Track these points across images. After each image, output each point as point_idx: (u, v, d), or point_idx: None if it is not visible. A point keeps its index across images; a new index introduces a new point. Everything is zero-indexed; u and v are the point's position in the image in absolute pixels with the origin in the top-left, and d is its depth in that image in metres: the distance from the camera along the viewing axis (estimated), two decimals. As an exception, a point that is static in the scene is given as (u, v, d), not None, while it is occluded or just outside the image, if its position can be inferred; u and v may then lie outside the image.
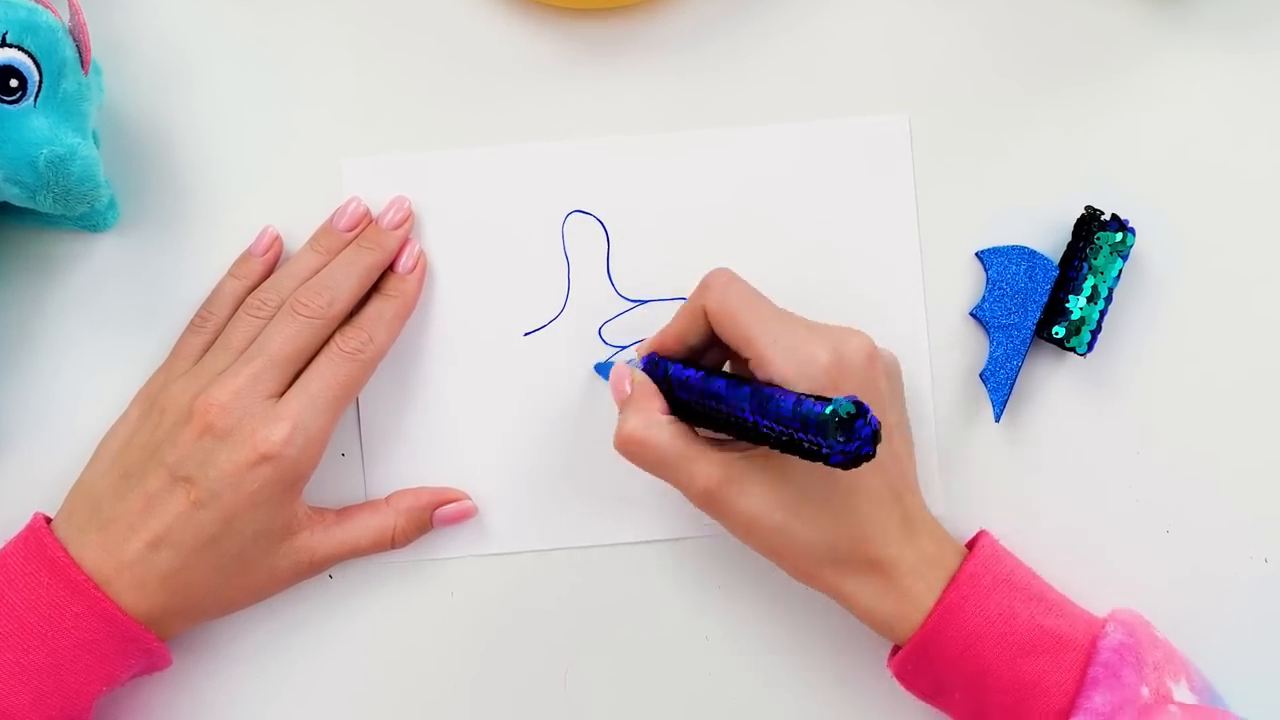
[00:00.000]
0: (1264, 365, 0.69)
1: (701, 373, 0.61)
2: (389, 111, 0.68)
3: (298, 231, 0.68)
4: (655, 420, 0.61)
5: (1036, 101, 0.69)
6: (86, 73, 0.63)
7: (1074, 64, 0.69)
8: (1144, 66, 0.69)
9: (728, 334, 0.61)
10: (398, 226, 0.67)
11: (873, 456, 0.52)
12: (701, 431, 0.62)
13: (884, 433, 0.58)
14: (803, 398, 0.54)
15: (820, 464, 0.54)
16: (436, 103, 0.68)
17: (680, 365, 0.62)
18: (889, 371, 0.63)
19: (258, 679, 0.67)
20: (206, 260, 0.67)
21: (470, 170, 0.68)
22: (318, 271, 0.66)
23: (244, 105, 0.68)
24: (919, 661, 0.62)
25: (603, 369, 0.67)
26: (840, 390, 0.58)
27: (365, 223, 0.67)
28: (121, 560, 0.61)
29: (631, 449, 0.61)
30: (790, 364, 0.59)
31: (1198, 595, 0.69)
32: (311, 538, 0.65)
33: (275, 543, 0.64)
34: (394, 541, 0.67)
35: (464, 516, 0.68)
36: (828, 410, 0.52)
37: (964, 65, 0.69)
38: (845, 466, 0.52)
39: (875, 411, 0.56)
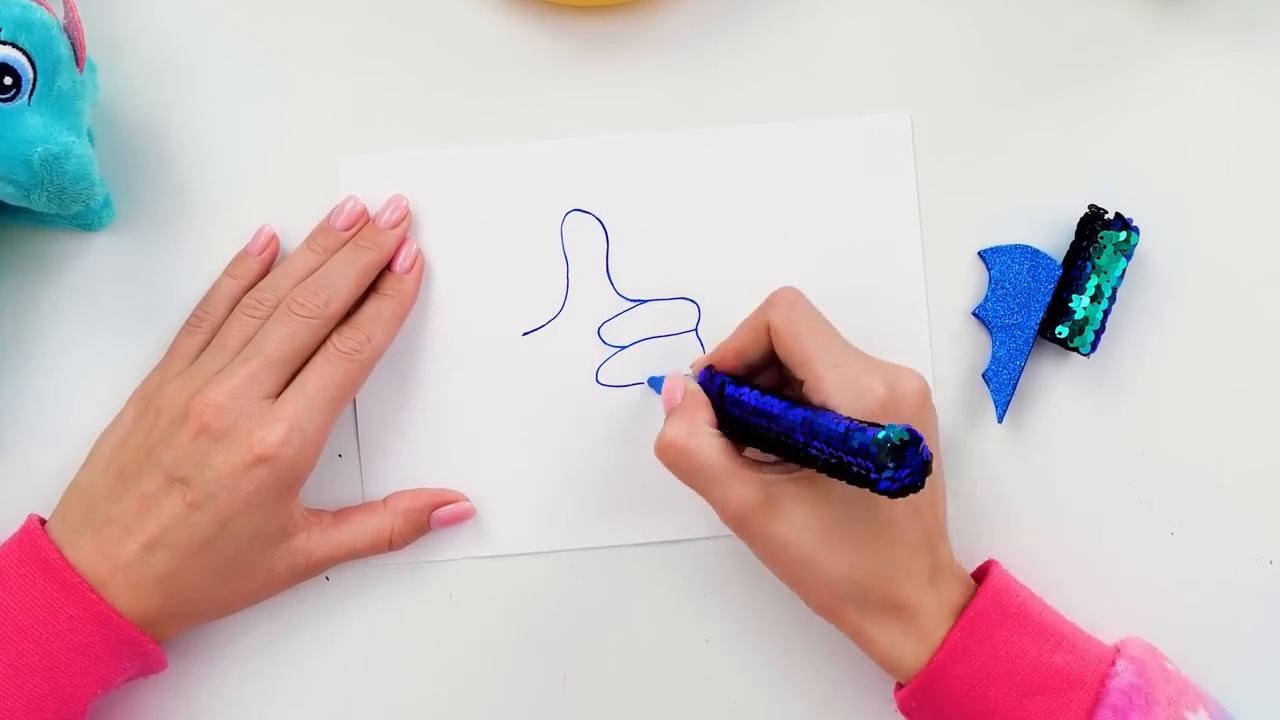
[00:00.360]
0: (1270, 365, 0.69)
1: (755, 391, 0.60)
2: (386, 109, 0.68)
3: (294, 230, 0.67)
4: (700, 430, 0.60)
5: (1039, 99, 0.69)
6: (81, 70, 0.63)
7: (1077, 61, 0.69)
8: (1148, 64, 0.69)
9: (788, 352, 0.61)
10: (395, 225, 0.67)
11: (920, 488, 0.53)
12: (748, 452, 0.61)
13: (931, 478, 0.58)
14: (856, 422, 0.55)
15: (863, 493, 0.54)
16: (434, 100, 0.68)
17: (734, 383, 0.62)
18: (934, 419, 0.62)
19: (254, 682, 0.67)
20: (202, 259, 0.67)
21: (468, 169, 0.68)
22: (315, 271, 0.66)
23: (240, 103, 0.68)
24: (924, 699, 0.61)
25: (656, 383, 0.66)
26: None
27: (362, 221, 0.67)
28: (116, 562, 0.61)
29: (670, 455, 0.61)
30: (846, 392, 0.59)
31: (1202, 598, 0.68)
32: (308, 540, 0.65)
33: (271, 545, 0.64)
34: (391, 543, 0.66)
35: (462, 518, 0.67)
36: (880, 435, 0.52)
37: (966, 63, 0.69)
38: (892, 495, 0.53)
39: None
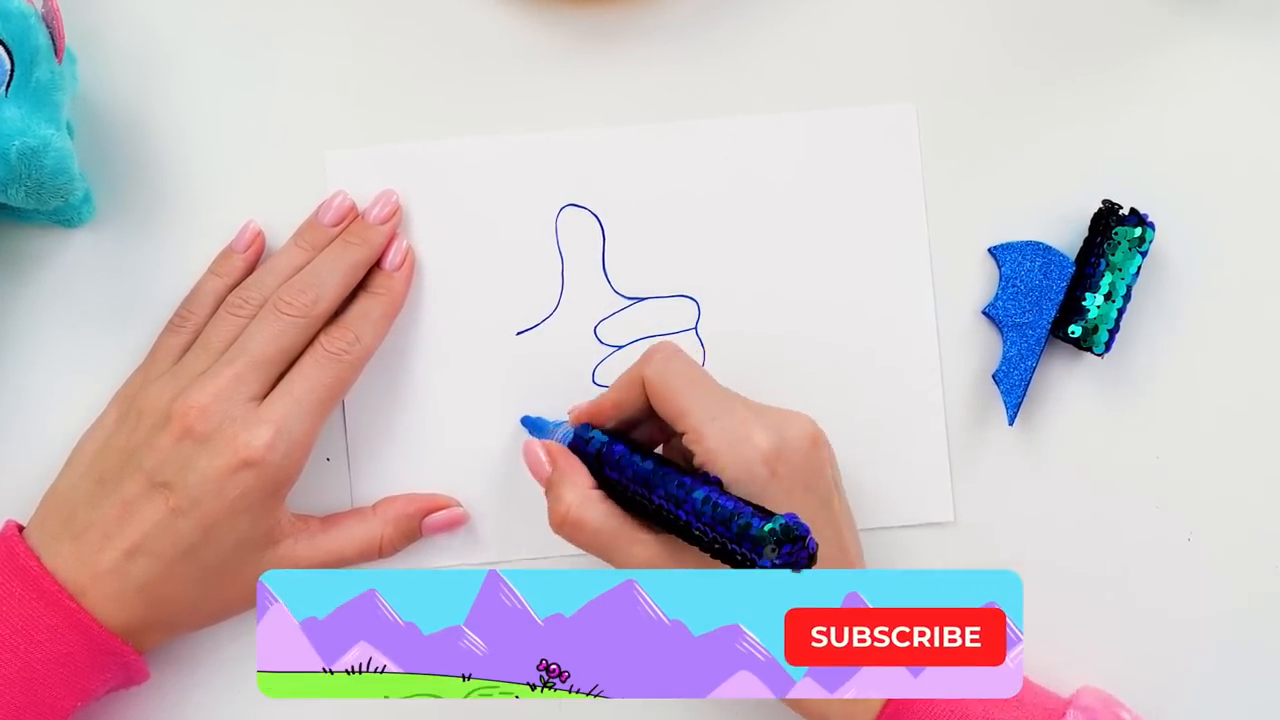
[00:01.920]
0: (1288, 366, 0.69)
1: (638, 456, 0.60)
2: (376, 101, 0.68)
3: (281, 227, 0.67)
4: (589, 496, 0.60)
5: (1051, 90, 0.68)
6: (60, 61, 0.62)
7: (1091, 50, 0.68)
8: (1165, 53, 0.69)
9: (664, 405, 0.60)
10: (385, 221, 0.66)
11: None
12: None
13: (833, 521, 0.59)
14: (741, 504, 0.54)
15: None
16: (425, 92, 0.68)
17: (611, 440, 0.61)
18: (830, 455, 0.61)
19: (239, 693, 0.66)
20: (186, 257, 0.67)
21: (460, 162, 0.68)
22: (302, 268, 0.65)
23: (225, 95, 0.68)
24: None
25: (529, 423, 0.66)
26: (778, 476, 0.58)
27: (351, 217, 0.67)
28: (97, 570, 0.61)
29: (569, 529, 0.60)
30: (725, 444, 0.58)
31: (1219, 605, 0.68)
32: (295, 547, 0.64)
33: (257, 552, 0.63)
34: (381, 550, 0.66)
35: (454, 524, 0.67)
36: (766, 528, 0.52)
37: (975, 51, 0.69)
38: None
39: (821, 497, 0.58)
